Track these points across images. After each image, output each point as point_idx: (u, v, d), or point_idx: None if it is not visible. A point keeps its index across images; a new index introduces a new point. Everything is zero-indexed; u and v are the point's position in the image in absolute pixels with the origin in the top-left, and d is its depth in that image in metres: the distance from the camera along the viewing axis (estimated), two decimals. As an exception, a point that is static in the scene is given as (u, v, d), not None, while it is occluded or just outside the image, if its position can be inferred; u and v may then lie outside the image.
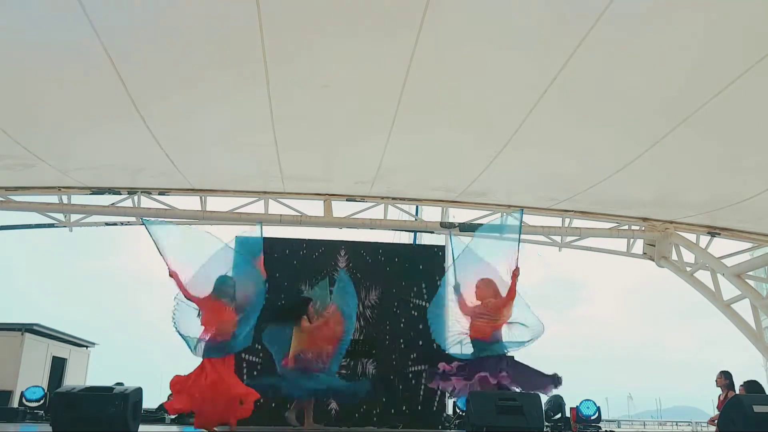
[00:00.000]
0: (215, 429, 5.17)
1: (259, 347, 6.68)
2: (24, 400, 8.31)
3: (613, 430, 8.51)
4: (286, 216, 7.87)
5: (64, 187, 7.54)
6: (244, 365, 7.15)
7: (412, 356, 7.79)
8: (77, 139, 6.12)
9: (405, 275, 8.17)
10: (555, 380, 5.53)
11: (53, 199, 7.68)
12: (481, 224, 8.13)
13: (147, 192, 7.78)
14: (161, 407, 7.22)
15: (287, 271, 8.09)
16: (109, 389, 4.65)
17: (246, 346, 5.49)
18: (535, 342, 5.57)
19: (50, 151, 6.37)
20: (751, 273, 7.21)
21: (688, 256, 7.90)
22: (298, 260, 8.17)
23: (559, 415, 8.09)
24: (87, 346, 12.79)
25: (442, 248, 8.61)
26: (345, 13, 4.02)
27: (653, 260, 8.23)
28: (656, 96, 4.79)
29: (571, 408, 8.12)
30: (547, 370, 5.57)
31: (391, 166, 6.75)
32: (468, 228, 8.04)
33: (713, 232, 7.93)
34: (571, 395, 8.26)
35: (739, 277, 7.12)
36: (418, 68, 4.51)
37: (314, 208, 8.00)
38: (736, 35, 3.95)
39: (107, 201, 7.72)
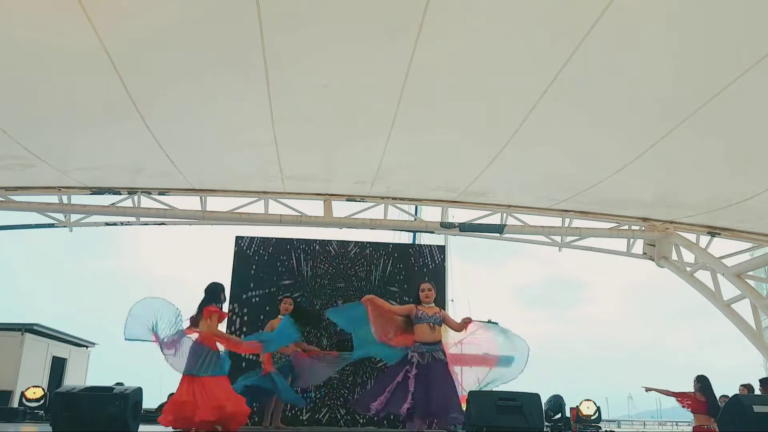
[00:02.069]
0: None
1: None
2: (24, 400, 8.32)
3: (613, 430, 8.52)
4: (286, 216, 7.87)
5: (64, 187, 7.54)
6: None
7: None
8: (77, 139, 6.12)
9: (405, 275, 8.19)
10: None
11: (53, 199, 7.68)
12: (481, 224, 8.15)
13: (147, 192, 7.78)
14: (161, 407, 7.23)
15: (285, 271, 8.11)
16: (109, 389, 4.66)
17: None
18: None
19: (50, 151, 6.36)
20: (751, 273, 7.21)
21: (688, 256, 7.90)
22: (297, 260, 8.18)
23: (559, 415, 8.10)
24: (87, 346, 12.81)
25: (442, 248, 8.63)
26: (345, 13, 4.02)
27: (653, 260, 8.23)
28: (656, 96, 4.79)
29: (571, 408, 8.13)
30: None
31: (391, 166, 6.75)
32: (468, 228, 8.05)
33: (713, 232, 7.93)
34: (571, 395, 8.28)
35: (739, 277, 7.12)
36: (418, 68, 4.51)
37: (314, 208, 8.00)
38: (736, 35, 3.95)
39: (107, 201, 7.72)
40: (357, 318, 5.40)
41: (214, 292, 5.37)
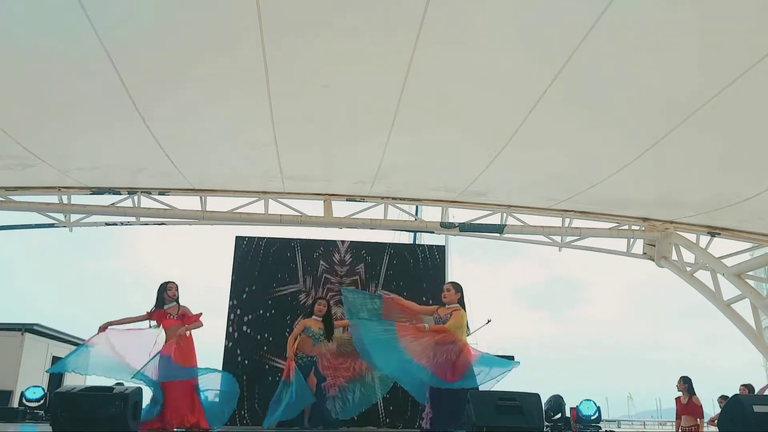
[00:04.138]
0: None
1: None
2: (24, 400, 8.32)
3: (613, 430, 8.53)
4: (286, 216, 7.87)
5: (64, 187, 7.54)
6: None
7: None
8: (77, 139, 6.12)
9: (405, 275, 8.20)
10: None
11: (53, 199, 7.67)
12: (481, 224, 8.15)
13: (147, 192, 7.78)
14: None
15: (285, 271, 8.12)
16: (109, 389, 4.66)
17: None
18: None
19: (50, 151, 6.36)
20: (751, 273, 7.20)
21: (688, 256, 7.90)
22: (297, 260, 8.18)
23: (559, 415, 8.11)
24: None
25: (442, 248, 8.64)
26: (345, 13, 4.02)
27: (653, 260, 8.22)
28: (656, 96, 4.79)
29: (571, 408, 8.14)
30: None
31: (391, 166, 6.74)
32: (468, 228, 8.06)
33: (713, 232, 7.93)
34: (571, 395, 8.29)
35: (739, 277, 7.11)
36: (418, 68, 4.50)
37: (314, 208, 8.01)
38: (736, 35, 3.94)
39: (107, 201, 7.72)
40: (369, 309, 5.55)
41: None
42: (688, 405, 7.45)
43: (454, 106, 5.24)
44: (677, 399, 7.61)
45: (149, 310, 5.81)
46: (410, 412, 7.58)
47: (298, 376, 5.89)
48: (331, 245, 8.30)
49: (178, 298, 5.89)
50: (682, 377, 7.67)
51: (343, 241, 8.34)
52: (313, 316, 6.39)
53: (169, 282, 5.91)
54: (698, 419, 7.33)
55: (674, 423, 7.88)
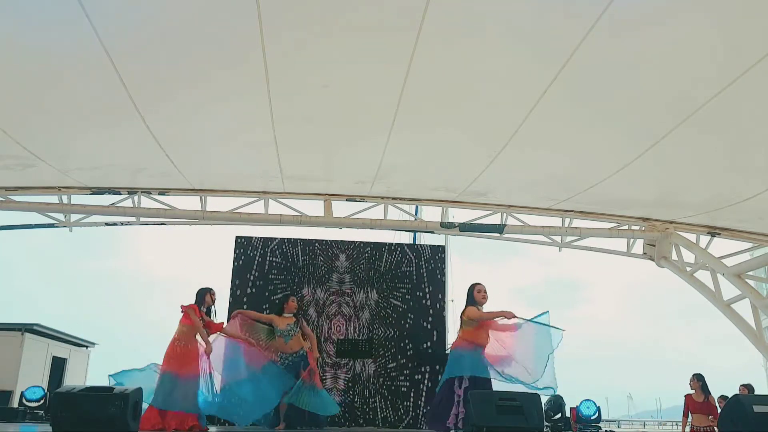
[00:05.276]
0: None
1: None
2: (24, 400, 8.32)
3: (613, 430, 8.53)
4: (286, 216, 7.87)
5: (64, 187, 7.53)
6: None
7: (411, 358, 7.81)
8: (77, 139, 6.12)
9: (405, 275, 8.20)
10: None
11: (53, 199, 7.67)
12: (481, 224, 8.15)
13: (147, 192, 7.78)
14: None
15: (285, 271, 8.13)
16: (109, 389, 4.66)
17: None
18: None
19: (50, 151, 6.36)
20: (751, 273, 7.20)
21: (688, 256, 7.90)
22: (297, 260, 8.19)
23: (559, 415, 8.11)
24: (87, 346, 12.82)
25: (442, 248, 8.64)
26: (345, 13, 4.02)
27: (653, 260, 8.23)
28: (656, 96, 4.79)
29: (571, 408, 8.15)
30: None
31: (391, 166, 6.74)
32: (468, 228, 8.06)
33: (713, 232, 7.93)
34: (571, 395, 8.29)
35: (739, 277, 7.11)
36: (418, 68, 4.50)
37: (314, 208, 8.00)
38: (737, 35, 3.95)
39: (107, 201, 7.72)
40: None
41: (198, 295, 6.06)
42: (705, 404, 7.32)
43: (454, 106, 5.23)
44: (688, 396, 7.44)
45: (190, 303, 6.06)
46: (411, 414, 7.59)
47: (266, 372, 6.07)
48: (331, 245, 8.30)
49: (211, 307, 6.17)
50: (695, 375, 7.47)
51: (343, 242, 8.35)
52: (284, 314, 6.39)
53: (212, 289, 6.22)
54: (711, 418, 7.25)
55: (681, 422, 7.75)
